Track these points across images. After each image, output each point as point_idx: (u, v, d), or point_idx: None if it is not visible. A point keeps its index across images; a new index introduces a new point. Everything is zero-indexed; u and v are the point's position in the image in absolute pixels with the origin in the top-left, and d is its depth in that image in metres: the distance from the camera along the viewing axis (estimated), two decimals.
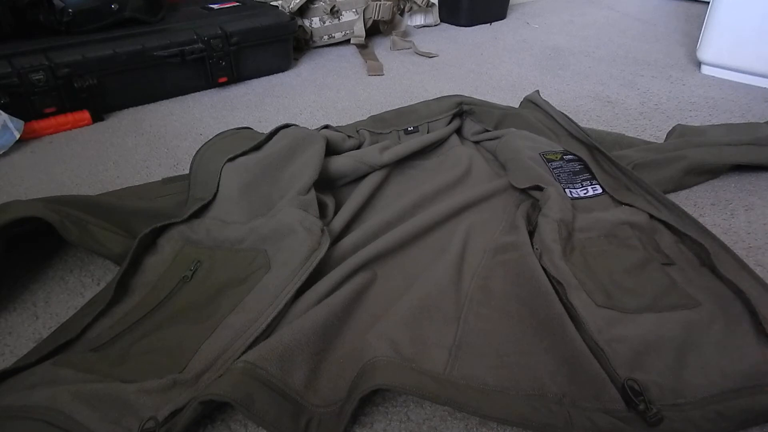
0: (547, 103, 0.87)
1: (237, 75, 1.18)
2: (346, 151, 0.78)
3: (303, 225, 0.58)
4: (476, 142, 0.86)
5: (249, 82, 1.22)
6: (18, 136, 0.91)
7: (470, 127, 0.88)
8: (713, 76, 1.23)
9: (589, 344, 0.46)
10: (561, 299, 0.51)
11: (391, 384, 0.41)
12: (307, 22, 1.38)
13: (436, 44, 1.49)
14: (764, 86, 1.16)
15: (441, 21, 1.71)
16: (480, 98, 0.91)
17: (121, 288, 0.56)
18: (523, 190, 0.71)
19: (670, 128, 0.90)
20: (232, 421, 0.45)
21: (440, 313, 0.51)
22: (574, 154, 0.75)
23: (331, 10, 1.38)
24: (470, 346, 0.48)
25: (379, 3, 1.44)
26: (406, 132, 0.85)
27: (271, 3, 1.34)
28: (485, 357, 0.47)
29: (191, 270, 0.58)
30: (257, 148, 0.73)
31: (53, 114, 0.98)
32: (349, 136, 0.81)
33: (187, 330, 0.50)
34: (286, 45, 1.25)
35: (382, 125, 0.85)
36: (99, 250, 0.59)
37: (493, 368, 0.46)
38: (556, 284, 0.53)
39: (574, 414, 0.41)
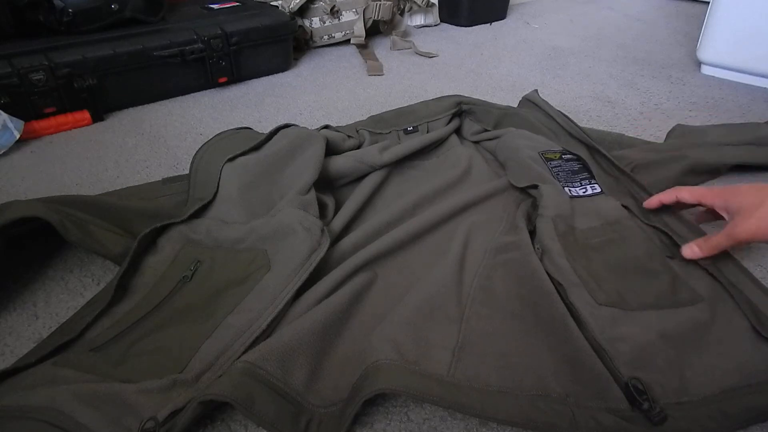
0: (546, 102, 0.87)
1: (237, 75, 1.18)
2: (346, 151, 0.78)
3: (303, 225, 0.58)
4: (476, 142, 0.86)
5: (249, 82, 1.21)
6: (18, 136, 0.91)
7: (469, 126, 0.88)
8: (713, 76, 1.23)
9: (591, 343, 0.46)
10: (563, 299, 0.51)
11: (395, 388, 0.41)
12: (307, 22, 1.38)
13: (436, 44, 1.49)
14: (764, 86, 1.16)
15: (441, 21, 1.71)
16: (480, 98, 0.91)
17: (121, 288, 0.56)
18: (523, 190, 0.71)
19: (670, 128, 0.90)
20: (232, 421, 0.45)
21: (442, 313, 0.51)
22: (572, 153, 0.75)
23: (331, 10, 1.37)
24: (473, 347, 0.48)
25: (379, 3, 1.44)
26: (406, 132, 0.85)
27: (271, 3, 1.34)
28: (488, 357, 0.47)
29: (191, 270, 0.58)
30: (257, 148, 0.73)
31: (53, 114, 0.98)
32: (349, 136, 0.81)
33: (187, 330, 0.50)
34: (286, 45, 1.25)
35: (381, 125, 0.85)
36: (99, 250, 0.59)
37: (496, 369, 0.46)
38: (557, 285, 0.53)
39: (578, 413, 0.41)
